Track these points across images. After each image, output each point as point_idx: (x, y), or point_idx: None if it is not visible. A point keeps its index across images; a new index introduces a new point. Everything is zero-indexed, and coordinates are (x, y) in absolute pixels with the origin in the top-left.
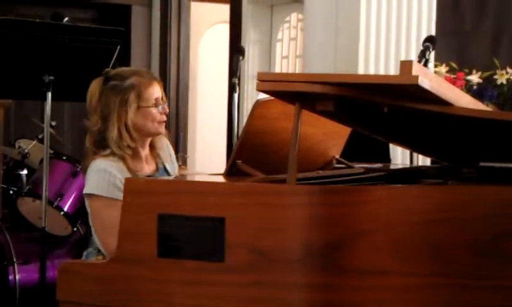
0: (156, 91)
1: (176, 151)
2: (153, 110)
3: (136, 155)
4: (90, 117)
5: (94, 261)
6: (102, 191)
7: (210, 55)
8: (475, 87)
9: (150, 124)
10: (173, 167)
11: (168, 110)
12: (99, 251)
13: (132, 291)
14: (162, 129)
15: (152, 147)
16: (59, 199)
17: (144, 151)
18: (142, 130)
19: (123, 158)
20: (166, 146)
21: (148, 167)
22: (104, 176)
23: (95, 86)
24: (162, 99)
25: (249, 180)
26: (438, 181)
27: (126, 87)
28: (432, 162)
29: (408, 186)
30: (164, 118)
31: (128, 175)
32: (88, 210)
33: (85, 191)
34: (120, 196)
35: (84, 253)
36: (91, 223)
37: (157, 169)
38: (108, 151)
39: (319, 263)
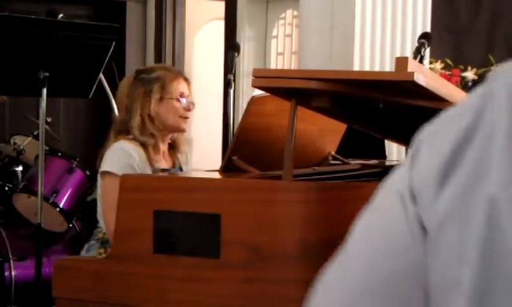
0: (181, 86)
1: None
2: (176, 103)
3: (155, 147)
4: (119, 111)
5: (90, 258)
6: (117, 170)
7: (205, 52)
8: (470, 83)
9: (172, 117)
10: (187, 169)
11: (192, 108)
12: (102, 243)
13: (127, 287)
14: (184, 125)
15: (174, 147)
16: (54, 195)
17: (164, 146)
18: (164, 122)
19: (144, 146)
20: (185, 153)
21: (166, 163)
22: (123, 156)
23: (124, 83)
24: (188, 97)
25: (245, 176)
26: None
27: (151, 78)
28: None
29: None
30: (187, 114)
31: (146, 162)
32: (99, 189)
33: (101, 169)
34: None
35: (86, 246)
36: (99, 203)
37: (174, 166)
38: (131, 136)
39: (315, 260)
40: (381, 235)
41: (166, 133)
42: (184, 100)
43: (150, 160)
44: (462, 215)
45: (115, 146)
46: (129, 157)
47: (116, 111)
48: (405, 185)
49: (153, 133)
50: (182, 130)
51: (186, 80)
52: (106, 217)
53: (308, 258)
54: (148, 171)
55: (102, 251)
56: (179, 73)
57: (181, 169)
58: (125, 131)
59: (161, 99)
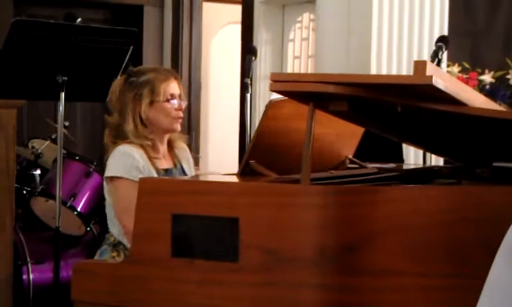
0: (172, 87)
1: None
2: (167, 105)
3: (154, 148)
4: (111, 114)
5: (108, 261)
6: (123, 173)
7: (222, 56)
8: (487, 87)
9: (163, 119)
10: (189, 168)
11: (183, 106)
12: (114, 246)
13: (146, 291)
14: (177, 126)
15: (170, 146)
16: (72, 199)
17: (162, 147)
18: (156, 125)
19: (142, 147)
20: (182, 148)
21: (165, 162)
22: (126, 159)
23: (116, 84)
24: (179, 96)
25: (263, 180)
26: (451, 181)
27: (141, 82)
28: (445, 162)
29: (421, 186)
30: (180, 114)
31: (148, 162)
32: (107, 195)
33: (106, 174)
34: None
35: (98, 251)
36: (107, 209)
37: (175, 165)
38: (128, 140)
39: (332, 264)
40: None
41: (162, 135)
42: (174, 101)
43: (152, 161)
44: None
45: (117, 150)
46: (132, 159)
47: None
48: None
49: (147, 136)
50: (174, 131)
51: (176, 79)
52: (123, 219)
53: (325, 262)
54: (152, 171)
55: (114, 254)
56: (169, 74)
57: (182, 169)
58: (120, 134)
59: (152, 102)
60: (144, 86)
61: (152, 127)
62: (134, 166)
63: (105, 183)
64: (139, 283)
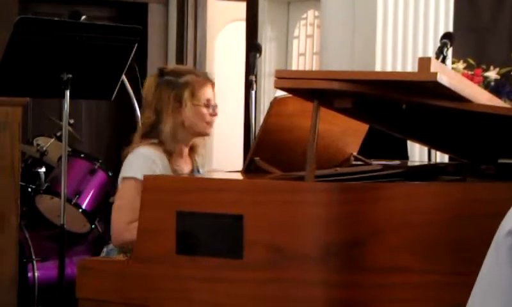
0: (208, 92)
1: None
2: (204, 110)
3: (179, 152)
4: (144, 111)
5: (113, 259)
6: (139, 175)
7: (226, 53)
8: (492, 83)
9: (199, 123)
10: (203, 171)
11: (217, 113)
12: (121, 248)
13: (151, 288)
14: (210, 130)
15: (192, 149)
16: (77, 196)
17: (186, 150)
18: (192, 128)
19: (169, 153)
20: (202, 155)
21: (186, 166)
22: (146, 161)
23: (151, 81)
24: (213, 101)
25: (268, 177)
26: (456, 178)
27: (181, 83)
28: (450, 159)
29: (426, 183)
30: (214, 120)
31: (169, 168)
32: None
33: (123, 174)
34: None
35: (105, 249)
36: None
37: (193, 170)
38: (155, 141)
39: (337, 261)
40: None
41: (191, 138)
42: (211, 107)
43: (172, 166)
44: None
45: (138, 151)
46: (152, 162)
47: (138, 112)
48: None
49: (180, 140)
50: (207, 135)
51: (212, 84)
52: (113, 215)
53: (330, 258)
54: None
55: (121, 255)
56: (207, 78)
57: (199, 173)
58: (152, 134)
59: (191, 106)
60: (184, 88)
61: (187, 130)
62: (151, 170)
63: (119, 181)
64: (143, 280)
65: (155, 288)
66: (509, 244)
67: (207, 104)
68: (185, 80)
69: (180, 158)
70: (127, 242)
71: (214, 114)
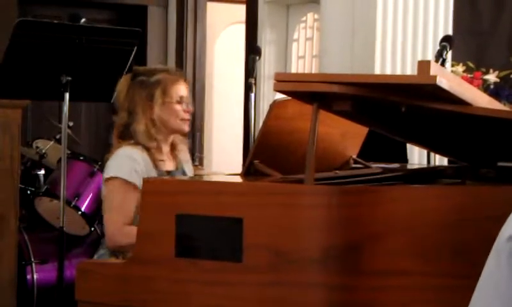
0: (181, 89)
1: (193, 152)
2: (177, 106)
3: (158, 149)
4: (118, 112)
5: (112, 261)
6: (123, 174)
7: (226, 56)
8: (492, 86)
9: (173, 120)
10: (190, 171)
11: (192, 109)
12: (112, 252)
13: (150, 291)
14: (186, 127)
15: (172, 149)
16: (76, 199)
17: (166, 148)
18: (166, 126)
19: (147, 149)
20: (184, 151)
21: (169, 163)
22: (128, 161)
23: (123, 82)
24: (186, 98)
25: (267, 180)
26: (455, 181)
27: (152, 82)
28: (449, 162)
29: (425, 186)
30: (188, 117)
31: (151, 166)
32: (103, 194)
33: (106, 175)
34: (140, 183)
35: (95, 256)
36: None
37: (177, 168)
38: (133, 141)
39: (337, 264)
40: None
41: (168, 135)
42: (184, 104)
43: (155, 163)
44: None
45: (119, 152)
46: (133, 161)
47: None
48: None
49: (156, 138)
50: (183, 132)
51: (185, 81)
52: (105, 217)
53: (330, 261)
54: (154, 174)
55: (113, 258)
56: (179, 76)
57: (183, 171)
58: (127, 134)
59: (163, 103)
60: (156, 86)
61: (162, 128)
62: (133, 169)
63: (103, 184)
64: (143, 283)
65: (154, 291)
66: (510, 250)
67: (180, 101)
68: (156, 78)
69: (162, 156)
70: (122, 246)
71: (187, 111)
